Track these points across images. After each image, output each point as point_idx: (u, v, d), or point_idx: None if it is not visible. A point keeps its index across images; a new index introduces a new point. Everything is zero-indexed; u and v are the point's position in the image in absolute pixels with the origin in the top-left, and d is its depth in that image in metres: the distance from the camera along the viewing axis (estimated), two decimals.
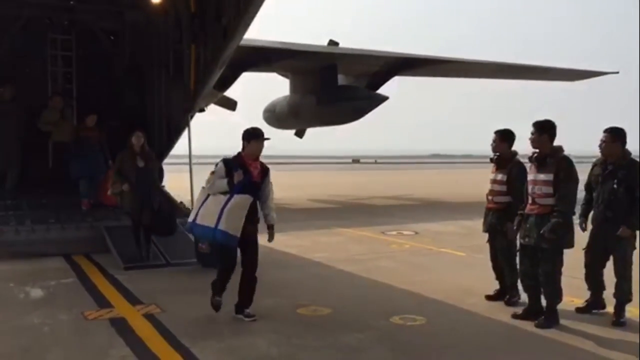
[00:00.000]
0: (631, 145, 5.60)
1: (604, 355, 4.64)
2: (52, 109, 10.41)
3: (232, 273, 5.54)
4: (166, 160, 12.16)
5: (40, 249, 8.69)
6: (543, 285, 5.42)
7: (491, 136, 6.31)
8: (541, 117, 5.54)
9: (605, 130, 5.60)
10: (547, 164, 5.37)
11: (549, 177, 5.32)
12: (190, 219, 5.48)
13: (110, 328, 5.29)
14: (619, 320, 5.45)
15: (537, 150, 5.47)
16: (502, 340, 5.05)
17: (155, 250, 8.52)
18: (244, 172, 5.36)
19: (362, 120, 17.34)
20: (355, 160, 75.50)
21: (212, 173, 5.47)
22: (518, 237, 5.72)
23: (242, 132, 5.57)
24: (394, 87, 19.10)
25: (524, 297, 5.85)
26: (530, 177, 5.54)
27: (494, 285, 6.36)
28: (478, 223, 6.50)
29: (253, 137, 5.52)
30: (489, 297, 6.25)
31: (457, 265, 8.32)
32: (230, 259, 5.53)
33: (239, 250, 5.54)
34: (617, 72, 20.75)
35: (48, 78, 11.49)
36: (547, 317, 5.37)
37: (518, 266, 5.79)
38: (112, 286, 7.01)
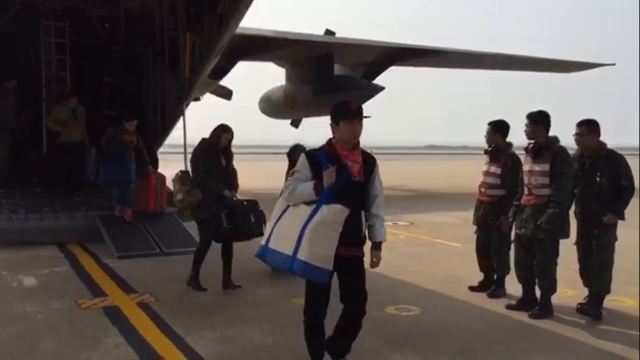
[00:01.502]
0: (632, 141, 5.57)
1: (597, 346, 4.65)
2: (64, 108, 10.02)
3: (323, 317, 3.95)
4: (160, 150, 12.15)
5: (33, 238, 8.66)
6: (538, 276, 5.42)
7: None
8: (539, 108, 5.51)
9: (580, 123, 5.50)
10: (542, 154, 5.35)
11: (545, 167, 5.30)
12: (263, 242, 3.76)
13: (104, 317, 5.28)
14: (594, 311, 5.33)
15: (533, 142, 5.45)
16: (497, 330, 5.05)
17: (149, 238, 8.50)
18: (338, 169, 3.65)
19: None
20: None
21: (292, 173, 3.82)
22: (514, 228, 5.70)
23: (331, 109, 3.91)
24: (390, 77, 19.04)
25: (511, 290, 5.88)
26: (525, 168, 5.52)
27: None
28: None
29: (342, 116, 3.77)
30: (472, 288, 6.24)
31: (452, 256, 8.33)
32: (319, 298, 3.86)
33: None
34: (614, 64, 20.76)
35: (42, 65, 11.41)
36: (541, 307, 5.37)
37: (513, 257, 5.79)
38: (106, 275, 7.00)
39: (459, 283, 6.52)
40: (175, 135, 11.61)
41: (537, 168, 5.37)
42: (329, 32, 17.52)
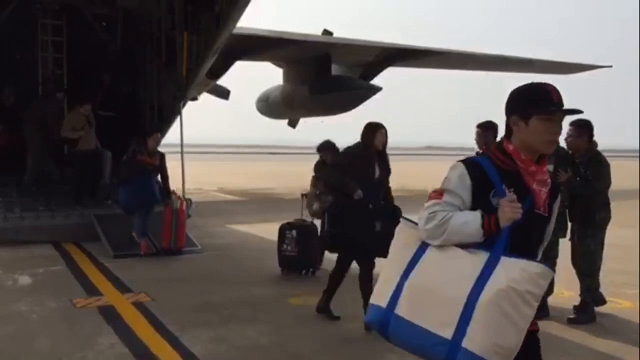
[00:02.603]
0: (631, 142, 5.55)
1: (593, 347, 4.64)
2: (78, 115, 9.64)
3: None
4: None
5: (29, 236, 8.64)
6: None
7: None
8: None
9: (570, 124, 5.43)
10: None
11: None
12: (379, 301, 2.24)
13: (99, 316, 5.26)
14: (583, 318, 5.26)
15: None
16: None
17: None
18: (520, 194, 2.22)
19: (355, 111, 17.31)
20: None
21: (437, 194, 2.34)
22: None
23: (508, 95, 2.33)
24: (388, 78, 19.06)
25: None
26: None
27: None
28: None
29: (538, 107, 2.22)
30: None
31: None
32: None
33: None
34: (611, 66, 20.82)
35: (38, 64, 11.38)
36: (538, 308, 5.33)
37: None
38: (101, 274, 6.98)
39: None
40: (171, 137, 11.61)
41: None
42: (326, 32, 17.51)
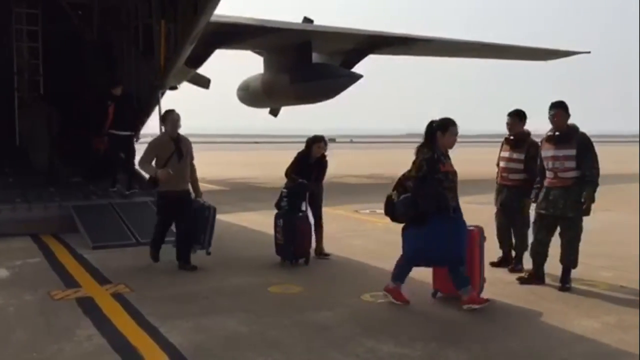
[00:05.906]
0: (632, 129, 5.72)
1: (572, 330, 4.67)
2: (163, 139, 6.88)
3: None
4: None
5: (6, 229, 8.50)
6: (565, 250, 5.73)
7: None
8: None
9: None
10: (568, 141, 5.68)
11: (572, 152, 5.65)
12: None
13: (77, 308, 5.21)
14: None
15: (556, 129, 5.76)
16: (473, 315, 5.06)
17: (125, 229, 8.41)
18: None
19: (336, 99, 17.28)
20: (331, 140, 75.49)
21: None
22: (533, 208, 6.05)
23: None
24: (369, 65, 19.04)
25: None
26: (549, 153, 5.79)
27: None
28: None
29: None
30: (493, 264, 6.55)
31: None
32: None
33: None
34: (589, 52, 21.01)
35: (13, 53, 11.18)
36: (568, 280, 5.74)
37: (533, 235, 6.03)
38: (80, 266, 6.91)
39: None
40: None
41: (563, 153, 5.68)
42: (307, 20, 17.42)
